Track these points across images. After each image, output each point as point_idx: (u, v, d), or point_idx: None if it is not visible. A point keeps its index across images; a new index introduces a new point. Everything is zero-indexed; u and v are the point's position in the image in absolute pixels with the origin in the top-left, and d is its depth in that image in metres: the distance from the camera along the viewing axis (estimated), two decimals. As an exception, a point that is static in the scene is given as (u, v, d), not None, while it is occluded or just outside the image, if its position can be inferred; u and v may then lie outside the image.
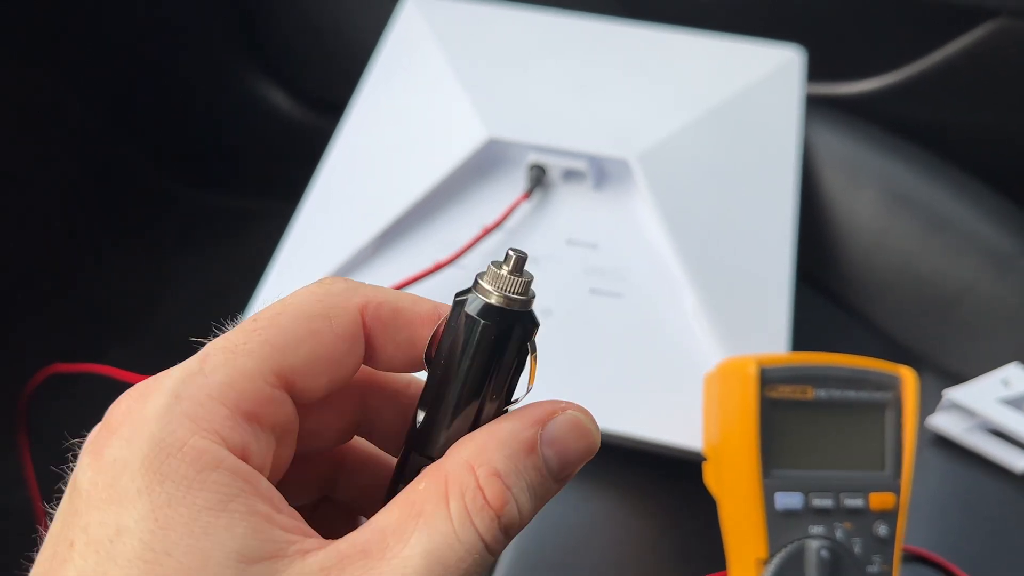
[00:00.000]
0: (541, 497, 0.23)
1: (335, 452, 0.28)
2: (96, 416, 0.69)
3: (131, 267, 0.94)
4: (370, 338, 0.25)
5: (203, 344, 0.23)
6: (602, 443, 0.50)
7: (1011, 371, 0.60)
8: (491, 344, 0.25)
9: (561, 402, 0.25)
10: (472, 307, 0.25)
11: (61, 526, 0.21)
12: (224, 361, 0.22)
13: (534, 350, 0.26)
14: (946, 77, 0.72)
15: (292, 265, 0.56)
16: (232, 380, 0.22)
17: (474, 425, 0.25)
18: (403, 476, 0.25)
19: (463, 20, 0.68)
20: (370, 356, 0.25)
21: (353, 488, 0.28)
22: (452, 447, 0.23)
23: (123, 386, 0.60)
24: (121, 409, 0.22)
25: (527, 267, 0.25)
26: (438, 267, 0.54)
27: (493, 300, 0.25)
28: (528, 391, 0.26)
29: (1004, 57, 0.71)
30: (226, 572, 0.20)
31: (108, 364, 0.58)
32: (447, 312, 0.25)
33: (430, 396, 0.25)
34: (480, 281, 0.25)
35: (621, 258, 0.57)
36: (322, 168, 0.61)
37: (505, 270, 0.25)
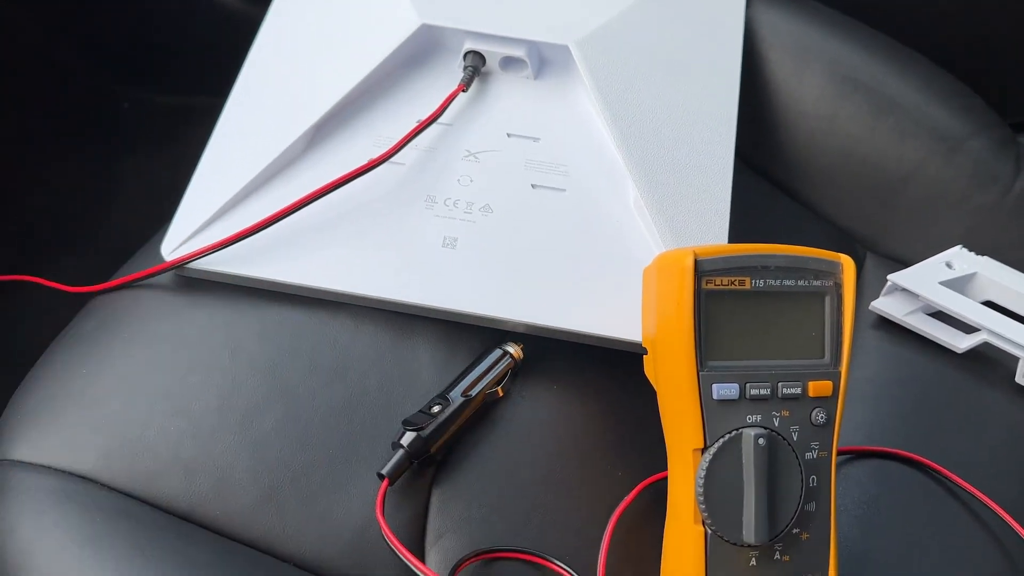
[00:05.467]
0: None
1: None
2: (26, 326, 0.67)
3: (75, 173, 0.91)
4: None
5: None
6: (545, 338, 0.50)
7: (954, 253, 0.60)
8: None
9: None
10: None
11: None
12: None
13: None
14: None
15: (219, 165, 0.54)
16: None
17: None
18: None
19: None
20: None
21: None
22: None
23: (55, 295, 0.58)
24: None
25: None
26: (372, 164, 0.52)
27: None
28: None
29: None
30: None
31: (59, 273, 0.57)
32: None
33: None
34: None
35: (563, 151, 0.55)
36: (247, 61, 0.58)
37: None
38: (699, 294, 0.41)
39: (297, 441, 0.47)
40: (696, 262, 0.41)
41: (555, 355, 0.51)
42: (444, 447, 0.47)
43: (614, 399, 0.51)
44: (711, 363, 0.41)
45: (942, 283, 0.58)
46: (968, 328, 0.56)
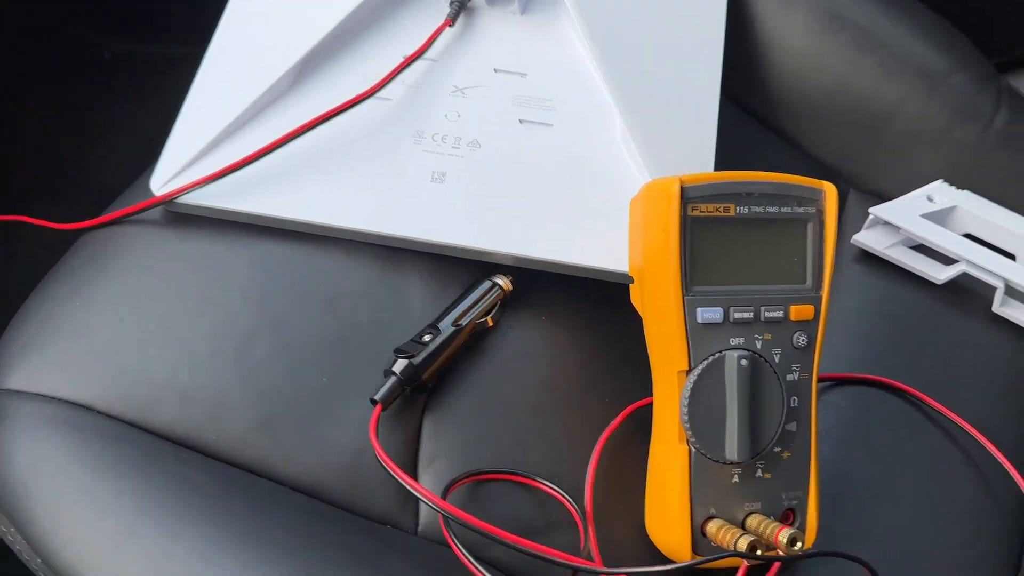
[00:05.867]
0: None
1: None
2: (16, 266, 0.66)
3: (58, 123, 0.90)
4: None
5: None
6: (534, 270, 0.50)
7: (935, 187, 0.61)
8: None
9: None
10: None
11: None
12: None
13: None
14: None
15: (207, 100, 0.54)
16: None
17: None
18: None
19: None
20: None
21: None
22: None
23: (44, 235, 0.58)
24: None
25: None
26: (359, 98, 0.52)
27: None
28: None
29: None
30: None
31: (46, 216, 0.57)
32: None
33: None
34: None
35: (550, 86, 0.55)
36: (229, 1, 0.58)
37: None
38: (685, 220, 0.42)
39: (291, 370, 0.48)
40: (682, 189, 0.42)
41: (543, 287, 0.52)
42: (435, 375, 0.48)
43: (601, 329, 0.52)
44: (696, 288, 0.42)
45: (923, 216, 0.59)
46: (947, 260, 0.58)
